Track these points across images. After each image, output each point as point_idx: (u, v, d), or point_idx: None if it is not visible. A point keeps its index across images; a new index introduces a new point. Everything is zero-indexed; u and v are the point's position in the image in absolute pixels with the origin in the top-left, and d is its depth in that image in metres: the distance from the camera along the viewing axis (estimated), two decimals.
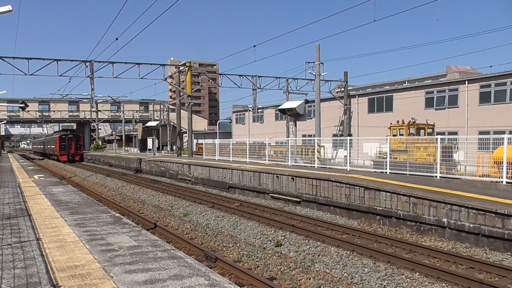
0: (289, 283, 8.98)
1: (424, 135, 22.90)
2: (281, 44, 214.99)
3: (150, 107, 77.84)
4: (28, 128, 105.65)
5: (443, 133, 27.71)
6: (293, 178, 18.71)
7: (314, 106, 32.52)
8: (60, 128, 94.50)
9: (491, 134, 23.68)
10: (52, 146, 61.44)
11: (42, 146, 76.37)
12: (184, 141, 51.45)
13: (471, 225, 11.21)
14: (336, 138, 32.44)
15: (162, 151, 56.94)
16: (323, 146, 27.93)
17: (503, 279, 8.76)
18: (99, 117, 67.35)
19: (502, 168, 14.42)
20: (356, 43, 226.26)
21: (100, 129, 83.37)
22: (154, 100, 76.24)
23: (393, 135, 22.90)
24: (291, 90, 40.19)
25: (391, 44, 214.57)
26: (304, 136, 39.14)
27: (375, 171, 20.07)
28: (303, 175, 18.17)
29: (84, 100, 62.49)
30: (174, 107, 51.24)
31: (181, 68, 39.61)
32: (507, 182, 14.25)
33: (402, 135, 22.62)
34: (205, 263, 9.24)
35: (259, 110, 46.84)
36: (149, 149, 48.78)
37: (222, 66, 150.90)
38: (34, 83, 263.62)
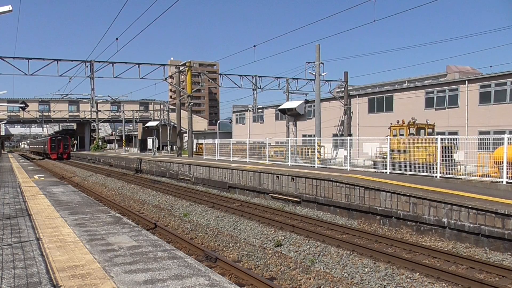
0: (289, 283, 8.98)
1: (424, 135, 22.89)
2: (281, 44, 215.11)
3: (150, 107, 77.72)
4: (28, 128, 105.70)
5: (443, 133, 27.70)
6: (293, 178, 18.70)
7: (314, 106, 32.51)
8: (60, 128, 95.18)
9: (491, 134, 23.69)
10: (45, 146, 70.20)
11: (37, 146, 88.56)
12: (184, 141, 51.43)
13: (471, 225, 11.20)
14: (336, 138, 32.40)
15: (162, 151, 56.94)
16: (323, 146, 27.92)
17: (503, 279, 8.76)
18: (99, 117, 67.33)
19: (502, 168, 14.41)
20: (356, 43, 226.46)
21: (100, 129, 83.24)
22: (154, 100, 76.07)
23: (393, 135, 22.90)
24: (291, 90, 40.21)
25: (391, 44, 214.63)
26: (304, 136, 39.15)
27: (375, 171, 20.06)
28: (303, 175, 18.16)
29: (84, 100, 62.47)
30: (174, 107, 51.22)
31: (181, 68, 39.59)
32: (507, 182, 14.24)
33: (402, 135, 22.62)
34: (205, 263, 9.23)
35: (259, 110, 46.85)
36: (149, 149, 48.76)
37: (222, 66, 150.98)
38: (34, 83, 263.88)
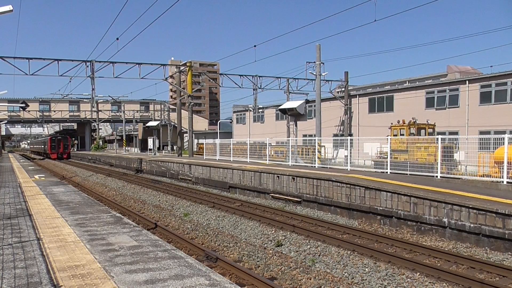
0: (289, 283, 8.98)
1: (425, 135, 22.88)
2: (281, 44, 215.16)
3: (151, 107, 77.73)
4: (28, 128, 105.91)
5: (443, 133, 27.69)
6: (293, 178, 18.70)
7: (314, 106, 32.51)
8: (61, 128, 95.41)
9: (491, 134, 23.67)
10: (45, 146, 71.23)
11: (37, 146, 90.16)
12: (184, 141, 51.44)
13: (472, 225, 11.20)
14: (336, 138, 32.42)
15: (163, 151, 56.95)
16: (324, 146, 27.92)
17: (503, 279, 8.75)
18: (99, 117, 67.36)
19: (502, 168, 14.40)
20: (356, 43, 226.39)
21: (101, 129, 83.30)
22: (155, 100, 76.19)
23: (394, 135, 22.89)
24: (292, 90, 40.21)
25: (391, 44, 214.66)
26: (304, 136, 39.15)
27: (375, 171, 20.05)
28: (304, 175, 18.16)
29: (84, 100, 62.63)
30: (174, 107, 51.22)
31: (182, 68, 39.60)
32: (507, 182, 14.23)
33: (403, 135, 22.61)
34: (206, 263, 9.23)
35: (259, 110, 46.85)
36: (150, 149, 48.80)
37: (222, 66, 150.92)
38: (35, 83, 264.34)
